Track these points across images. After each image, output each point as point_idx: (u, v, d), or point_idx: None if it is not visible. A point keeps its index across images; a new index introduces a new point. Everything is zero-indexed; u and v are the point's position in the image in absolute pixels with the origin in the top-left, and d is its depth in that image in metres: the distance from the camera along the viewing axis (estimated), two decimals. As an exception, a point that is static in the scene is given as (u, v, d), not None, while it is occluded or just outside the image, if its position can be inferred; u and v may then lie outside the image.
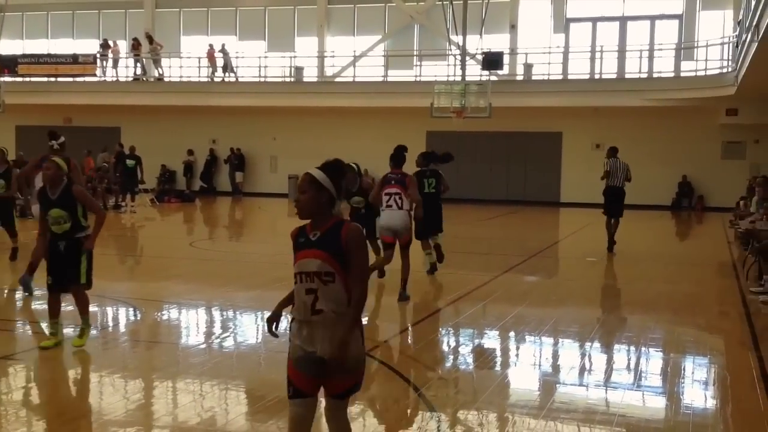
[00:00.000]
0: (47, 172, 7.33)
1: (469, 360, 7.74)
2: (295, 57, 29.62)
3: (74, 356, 7.43)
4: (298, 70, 28.97)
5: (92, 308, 9.26)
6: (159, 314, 9.46)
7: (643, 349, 8.17)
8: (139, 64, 30.10)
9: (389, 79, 28.60)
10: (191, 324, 9.33)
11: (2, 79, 28.14)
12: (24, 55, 30.52)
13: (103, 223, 7.60)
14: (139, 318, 9.26)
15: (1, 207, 12.34)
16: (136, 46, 29.72)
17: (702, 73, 25.31)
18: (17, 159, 20.86)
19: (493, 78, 25.97)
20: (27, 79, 29.70)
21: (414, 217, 10.30)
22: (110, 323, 9.20)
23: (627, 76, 26.79)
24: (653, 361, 7.88)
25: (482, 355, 7.92)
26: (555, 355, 8.08)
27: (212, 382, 6.63)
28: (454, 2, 24.07)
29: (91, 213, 7.54)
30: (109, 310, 9.75)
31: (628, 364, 7.79)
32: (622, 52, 27.32)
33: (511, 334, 8.77)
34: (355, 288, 4.00)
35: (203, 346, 8.03)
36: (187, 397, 6.39)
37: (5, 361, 7.17)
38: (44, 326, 7.96)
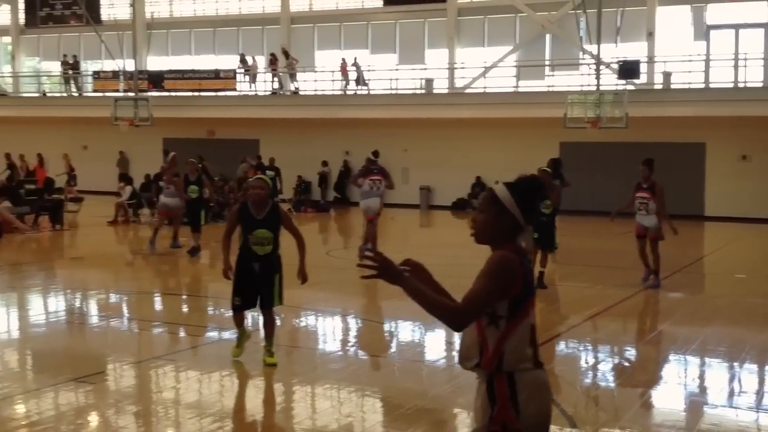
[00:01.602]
0: (259, 191, 6.94)
1: (610, 377, 7.52)
2: (425, 69, 29.79)
3: (218, 359, 7.71)
4: (429, 82, 29.09)
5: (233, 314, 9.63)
6: (297, 320, 9.69)
7: (798, 371, 7.70)
8: (276, 79, 31.06)
9: (520, 89, 28.29)
10: (329, 331, 9.51)
11: (150, 93, 29.68)
12: (169, 71, 32.06)
13: (305, 246, 7.29)
14: (278, 324, 9.51)
15: (191, 209, 14.53)
16: (273, 61, 30.69)
17: None
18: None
19: (630, 87, 25.23)
20: (172, 93, 31.17)
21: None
22: (250, 328, 9.48)
23: (774, 84, 25.43)
24: (811, 385, 7.41)
25: (624, 372, 7.68)
26: (702, 375, 7.73)
27: (350, 388, 6.73)
28: (588, 11, 23.57)
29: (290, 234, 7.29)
30: (249, 316, 10.05)
31: (783, 386, 7.36)
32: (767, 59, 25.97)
33: (655, 351, 8.47)
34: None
35: (340, 353, 8.17)
36: (326, 402, 6.51)
37: (157, 360, 7.53)
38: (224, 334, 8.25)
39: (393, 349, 8.53)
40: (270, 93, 31.02)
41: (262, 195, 6.99)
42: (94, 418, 5.96)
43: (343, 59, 29.88)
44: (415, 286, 3.21)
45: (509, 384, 3.20)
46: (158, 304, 10.94)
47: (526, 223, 3.27)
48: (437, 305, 3.17)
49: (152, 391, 6.81)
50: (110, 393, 6.58)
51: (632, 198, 12.04)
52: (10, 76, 37.08)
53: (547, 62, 28.81)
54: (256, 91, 31.00)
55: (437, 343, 8.89)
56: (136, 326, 9.37)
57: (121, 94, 29.57)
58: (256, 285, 7.15)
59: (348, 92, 29.78)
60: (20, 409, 6.08)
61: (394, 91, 29.62)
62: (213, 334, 8.81)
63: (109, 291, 11.57)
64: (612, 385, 7.27)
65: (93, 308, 10.39)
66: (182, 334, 8.79)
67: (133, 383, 6.98)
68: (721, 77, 26.29)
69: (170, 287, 12.38)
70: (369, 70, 30.07)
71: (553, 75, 28.47)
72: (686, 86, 26.01)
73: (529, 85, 28.45)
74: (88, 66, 35.22)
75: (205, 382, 7.07)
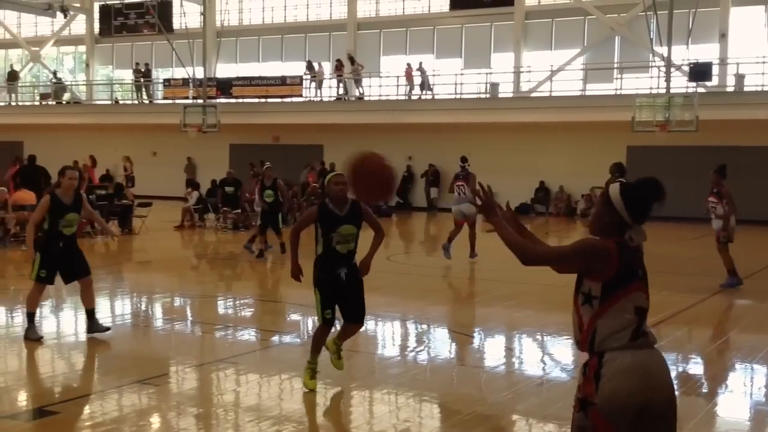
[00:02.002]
0: (343, 187, 6.55)
1: (674, 385, 7.34)
2: (491, 73, 29.64)
3: (279, 362, 7.81)
4: (494, 86, 28.94)
5: (295, 316, 9.74)
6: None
7: None
8: (341, 84, 31.31)
9: (588, 92, 27.90)
10: (388, 335, 9.54)
11: (218, 100, 30.25)
12: (238, 78, 32.65)
13: (382, 241, 6.96)
14: (337, 327, 9.57)
15: (270, 212, 15.08)
16: (339, 67, 30.95)
17: None
18: (227, 177, 22.25)
19: (701, 90, 24.64)
20: (240, 100, 31.72)
21: None
22: (311, 332, 9.58)
23: None
24: None
25: (688, 381, 7.50)
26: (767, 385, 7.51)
27: (408, 393, 6.73)
28: (658, 12, 23.11)
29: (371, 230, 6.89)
30: (310, 320, 10.16)
31: None
32: None
33: (721, 359, 8.25)
34: None
35: (399, 357, 8.18)
36: (384, 407, 6.53)
37: (219, 363, 7.67)
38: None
39: (452, 355, 8.50)
40: (335, 99, 31.28)
41: (345, 190, 6.55)
42: (156, 420, 6.10)
43: (408, 64, 29.94)
44: (501, 224, 3.67)
45: (598, 362, 3.42)
46: (221, 307, 11.13)
47: (636, 222, 3.52)
48: (515, 243, 3.61)
49: (213, 393, 6.94)
50: (173, 395, 6.72)
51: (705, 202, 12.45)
52: (84, 84, 38.27)
53: (615, 65, 28.35)
54: (321, 97, 31.30)
55: (497, 349, 8.84)
56: (200, 329, 9.55)
57: (190, 101, 30.23)
58: (344, 295, 6.67)
59: (413, 97, 29.82)
60: (86, 410, 6.26)
61: (458, 96, 29.55)
62: (275, 338, 8.93)
63: (174, 294, 11.83)
64: (676, 393, 7.11)
65: (158, 311, 10.63)
66: (245, 337, 8.93)
67: (195, 386, 7.11)
68: (797, 79, 25.49)
69: (234, 291, 12.58)
70: (434, 75, 30.06)
71: (621, 78, 28.00)
72: (759, 89, 25.28)
73: (596, 89, 28.05)
74: (159, 74, 36.11)
75: (265, 386, 7.17)
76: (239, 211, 21.15)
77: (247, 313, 10.73)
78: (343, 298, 6.65)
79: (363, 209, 6.71)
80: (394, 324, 9.98)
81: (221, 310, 10.91)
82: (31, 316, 8.22)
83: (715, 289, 12.18)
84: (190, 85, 31.36)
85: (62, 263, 8.27)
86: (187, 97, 31.55)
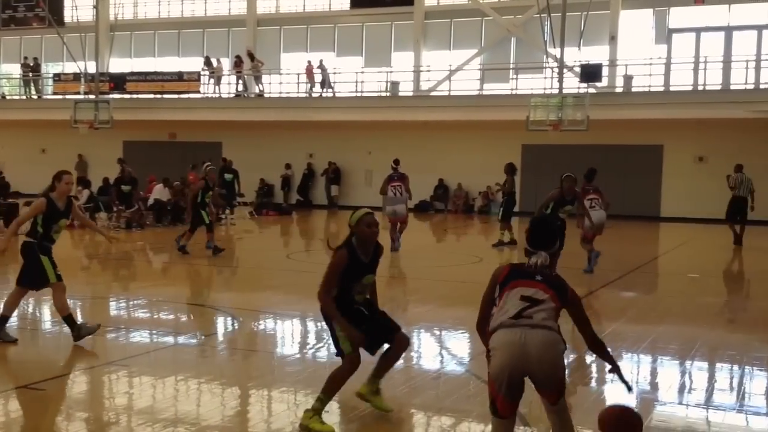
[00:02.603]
0: (376, 230, 5.74)
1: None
2: (391, 72, 29.88)
3: (174, 363, 7.68)
4: (394, 84, 29.19)
5: (191, 317, 9.57)
6: (256, 324, 9.67)
7: (746, 368, 7.85)
8: (240, 81, 30.94)
9: (485, 92, 28.49)
10: (287, 334, 9.50)
11: (111, 96, 29.40)
12: (132, 73, 31.82)
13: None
14: (237, 327, 9.48)
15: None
16: (238, 63, 30.57)
17: (813, 83, 24.21)
18: (124, 175, 21.76)
19: (592, 90, 25.52)
20: (134, 96, 30.92)
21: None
22: (209, 331, 9.45)
23: (732, 87, 25.88)
24: (757, 382, 7.56)
25: (577, 371, 7.76)
26: (653, 373, 7.86)
27: (306, 391, 6.72)
28: (552, 14, 23.81)
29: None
30: (209, 319, 10.03)
31: (731, 383, 7.49)
32: (727, 62, 26.42)
33: (608, 350, 8.56)
34: None
35: (298, 356, 8.17)
36: (281, 405, 6.52)
37: (110, 366, 7.47)
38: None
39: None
40: (234, 95, 30.90)
41: (377, 235, 5.73)
42: (43, 426, 5.90)
43: (309, 62, 29.86)
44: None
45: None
46: (113, 308, 10.85)
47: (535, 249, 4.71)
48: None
49: (105, 397, 6.76)
50: (61, 399, 6.52)
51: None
52: (-30, 78, 36.57)
53: (511, 65, 29.03)
54: (219, 93, 30.86)
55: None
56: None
57: (81, 97, 29.27)
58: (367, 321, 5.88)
59: (313, 95, 29.76)
60: (-32, 415, 6.00)
61: (359, 94, 29.66)
62: (168, 339, 8.76)
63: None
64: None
65: (46, 314, 10.26)
66: (137, 339, 8.73)
67: (85, 389, 6.92)
68: (682, 80, 26.72)
69: (126, 291, 12.27)
70: (335, 73, 30.07)
71: (517, 78, 28.70)
72: (647, 89, 26.37)
73: (493, 88, 28.67)
74: (49, 68, 34.83)
75: (159, 388, 7.03)
76: (134, 209, 20.70)
77: (141, 314, 10.48)
78: (368, 323, 5.80)
79: (380, 248, 5.88)
80: (294, 322, 9.95)
81: (113, 312, 10.63)
82: (5, 320, 8.06)
83: (602, 282, 12.65)
84: (82, 80, 30.38)
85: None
86: (78, 93, 30.55)
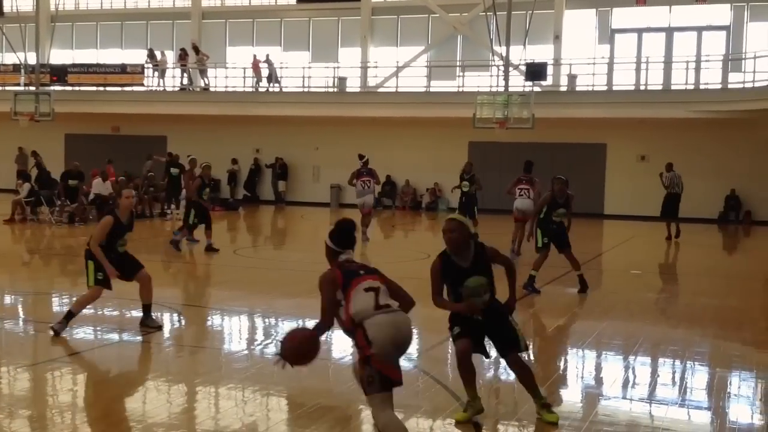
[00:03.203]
0: (453, 235, 5.78)
1: (510, 371, 7.68)
2: (338, 67, 29.82)
3: (119, 360, 7.56)
4: (342, 80, 29.13)
5: (135, 312, 9.43)
6: (203, 320, 9.57)
7: (688, 363, 8.04)
8: (185, 74, 30.53)
9: (432, 89, 28.62)
10: (234, 330, 9.43)
11: (52, 88, 28.73)
12: (74, 65, 31.13)
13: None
14: (183, 324, 9.38)
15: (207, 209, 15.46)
16: (182, 56, 30.16)
17: (750, 84, 24.89)
18: (71, 169, 21.36)
19: (537, 89, 25.83)
20: (76, 88, 30.27)
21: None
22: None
23: (673, 87, 26.47)
24: (698, 376, 7.76)
25: (569, 369, 7.87)
26: (598, 368, 8.01)
27: (254, 387, 6.69)
28: (497, 13, 24.02)
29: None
30: (154, 316, 9.87)
31: (673, 378, 7.68)
32: (668, 63, 27.01)
33: (552, 346, 8.71)
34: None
35: (246, 352, 8.12)
36: (229, 402, 6.47)
37: (53, 363, 7.32)
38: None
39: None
40: (179, 89, 30.48)
41: (458, 239, 5.75)
42: (-16, 423, 5.75)
43: (255, 56, 29.61)
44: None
45: (363, 330, 4.93)
46: (57, 304, 10.62)
47: (343, 249, 5.31)
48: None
49: (48, 394, 6.63)
50: (2, 396, 6.36)
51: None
52: None
53: (458, 63, 29.21)
54: (164, 86, 30.40)
55: (343, 342, 8.92)
56: (32, 328, 9.08)
57: (21, 89, 28.55)
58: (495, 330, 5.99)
59: (260, 89, 29.53)
60: None
61: (306, 89, 29.54)
62: (112, 336, 8.62)
63: (4, 292, 11.17)
64: (511, 378, 7.43)
65: (-12, 310, 10.02)
66: (81, 335, 8.56)
67: (27, 386, 6.77)
68: (624, 80, 27.23)
69: (70, 287, 12.02)
70: (281, 68, 29.90)
71: (463, 76, 28.90)
72: (590, 88, 26.80)
73: (440, 86, 28.82)
74: (-12, 58, 33.90)
75: (103, 385, 6.92)
76: (76, 204, 20.34)
77: (85, 310, 10.28)
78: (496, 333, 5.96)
79: (488, 250, 5.92)
80: (241, 318, 9.88)
81: (56, 308, 10.40)
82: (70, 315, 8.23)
83: (547, 279, 12.82)
84: (22, 71, 29.62)
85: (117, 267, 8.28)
86: (18, 84, 29.77)
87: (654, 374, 7.72)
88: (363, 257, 15.23)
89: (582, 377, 7.65)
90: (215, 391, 6.70)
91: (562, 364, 8.13)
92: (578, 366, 8.08)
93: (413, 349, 8.47)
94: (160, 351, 8.11)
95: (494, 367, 7.85)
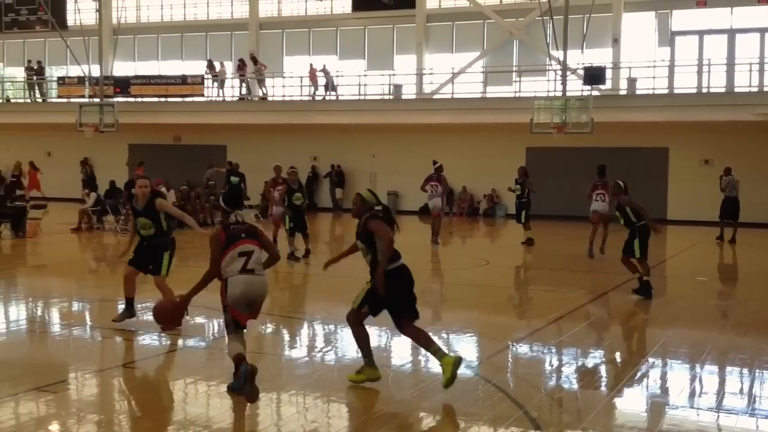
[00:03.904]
0: (353, 207, 7.30)
1: (573, 380, 7.59)
2: (394, 75, 29.88)
3: (184, 366, 7.67)
4: (397, 87, 29.18)
5: (199, 320, 9.56)
6: (264, 326, 9.66)
7: (757, 372, 7.82)
8: (244, 84, 30.95)
9: (488, 95, 28.49)
10: (294, 337, 9.49)
11: (115, 99, 29.42)
12: (136, 77, 31.82)
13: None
14: (245, 330, 9.46)
15: (300, 214, 15.47)
16: (241, 66, 30.58)
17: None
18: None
19: (595, 93, 25.51)
20: (139, 99, 30.94)
21: None
22: (216, 334, 9.44)
23: (736, 89, 25.85)
24: (768, 385, 7.54)
25: (587, 375, 7.75)
26: (664, 377, 7.84)
27: (315, 394, 6.72)
28: (554, 17, 23.81)
29: None
30: (215, 322, 10.01)
31: (742, 387, 7.47)
32: (730, 65, 26.40)
33: (617, 354, 8.56)
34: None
35: (306, 358, 8.16)
36: (291, 408, 6.51)
37: (120, 369, 7.47)
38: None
39: (359, 355, 8.52)
40: (237, 99, 30.92)
41: (355, 211, 7.31)
42: (54, 428, 5.89)
43: (312, 65, 29.86)
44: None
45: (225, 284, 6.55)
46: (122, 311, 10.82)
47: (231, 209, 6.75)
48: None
49: (115, 399, 6.76)
50: (72, 402, 6.51)
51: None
52: (-27, 82, 36.59)
53: (514, 68, 29.02)
54: (223, 96, 30.87)
55: (403, 348, 8.91)
56: (99, 334, 9.28)
57: (86, 100, 29.29)
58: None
59: (317, 98, 29.76)
60: (-22, 419, 6.00)
61: (362, 97, 29.66)
62: (178, 342, 8.75)
63: (72, 299, 11.44)
64: (575, 387, 7.34)
65: (55, 316, 10.27)
66: (147, 341, 8.72)
67: (96, 392, 6.91)
68: (685, 83, 26.70)
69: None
70: (337, 76, 30.09)
71: (520, 81, 28.70)
72: (650, 92, 26.36)
73: (496, 91, 28.65)
74: (53, 72, 34.87)
75: (168, 391, 7.03)
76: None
77: (149, 316, 10.46)
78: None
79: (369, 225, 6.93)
80: (300, 325, 9.94)
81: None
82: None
83: (610, 286, 12.64)
84: (86, 83, 30.39)
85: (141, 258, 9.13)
86: (83, 96, 30.55)
87: (722, 383, 7.53)
88: (421, 264, 15.22)
89: (647, 386, 7.50)
90: (277, 397, 6.74)
91: (627, 372, 7.98)
92: (644, 375, 7.91)
93: (473, 356, 8.44)
94: (222, 357, 8.17)
95: (556, 378, 7.76)
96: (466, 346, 8.98)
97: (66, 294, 11.83)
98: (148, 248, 9.03)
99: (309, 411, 6.39)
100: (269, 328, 9.70)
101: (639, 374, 7.93)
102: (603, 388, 7.30)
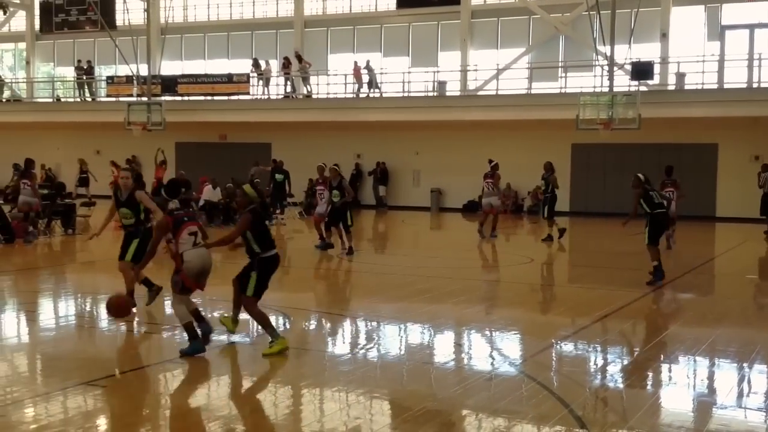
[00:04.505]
0: (237, 199, 8.63)
1: (619, 378, 7.49)
2: (438, 71, 29.80)
3: (228, 362, 7.75)
4: (441, 84, 29.10)
5: (245, 316, 9.66)
6: (307, 323, 9.72)
7: (810, 373, 7.64)
8: (289, 82, 31.14)
9: (533, 91, 28.24)
10: (338, 333, 9.53)
11: (163, 98, 29.82)
12: (183, 75, 32.22)
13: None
14: (288, 326, 9.54)
15: (341, 211, 15.71)
16: (286, 64, 30.78)
17: None
18: (177, 178, 22.09)
19: (643, 88, 25.13)
20: (186, 98, 31.31)
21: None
22: (260, 331, 9.52)
23: (788, 84, 25.25)
24: (822, 387, 7.36)
25: (633, 374, 7.65)
26: (711, 376, 7.69)
27: (359, 390, 6.73)
28: (601, 12, 23.50)
29: None
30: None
31: (793, 388, 7.31)
32: (782, 59, 25.79)
33: (664, 352, 8.43)
34: None
35: (349, 355, 8.18)
36: (334, 404, 6.53)
37: (165, 364, 7.57)
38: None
39: (402, 352, 8.54)
40: (283, 97, 31.11)
41: (238, 203, 8.44)
42: (102, 422, 6.00)
43: (356, 62, 29.92)
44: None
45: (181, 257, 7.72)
46: (169, 307, 10.97)
47: (170, 198, 8.16)
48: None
49: (161, 394, 6.86)
50: (119, 397, 6.62)
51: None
52: (25, 82, 37.39)
53: (560, 64, 28.74)
54: (268, 95, 31.08)
55: (446, 346, 8.90)
56: (147, 330, 9.42)
57: (134, 99, 29.74)
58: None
59: (361, 95, 29.81)
60: (29, 412, 6.13)
61: (406, 94, 29.64)
62: (222, 338, 8.84)
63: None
64: (621, 386, 7.25)
65: (103, 312, 10.44)
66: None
67: (142, 387, 7.02)
68: (735, 78, 26.16)
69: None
70: (382, 73, 30.10)
71: (565, 76, 28.40)
72: (699, 87, 25.88)
73: (541, 87, 28.40)
74: (102, 71, 35.48)
75: (214, 386, 7.11)
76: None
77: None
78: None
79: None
80: (344, 321, 9.97)
81: (169, 310, 10.75)
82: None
83: (658, 283, 12.44)
84: (134, 82, 30.86)
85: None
86: (131, 95, 31.03)
87: (773, 384, 7.37)
88: (463, 262, 15.15)
89: (695, 386, 7.37)
90: (320, 393, 6.78)
91: (674, 371, 7.86)
92: (691, 374, 7.79)
93: (517, 354, 8.38)
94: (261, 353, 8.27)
95: (601, 376, 7.67)
96: (510, 344, 8.92)
97: (113, 290, 12.00)
98: (126, 237, 9.83)
99: (352, 407, 6.41)
100: (313, 324, 9.76)
101: (686, 373, 7.81)
102: (649, 387, 7.20)
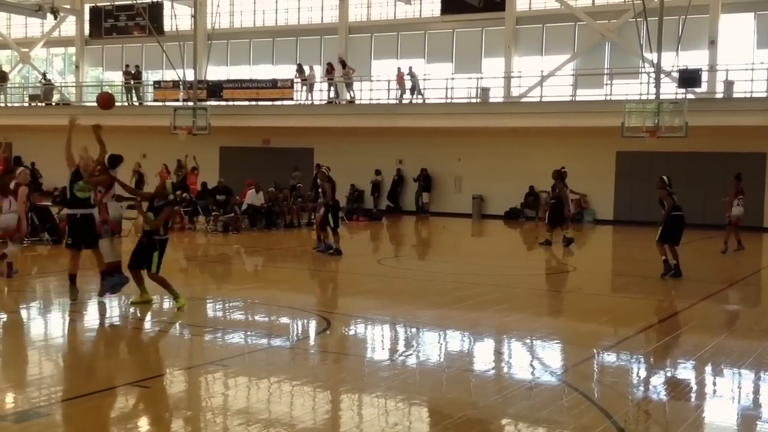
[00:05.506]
0: None
1: (662, 390, 7.38)
2: (481, 78, 29.70)
3: (268, 365, 7.80)
4: (485, 90, 28.99)
5: (285, 319, 9.72)
6: (347, 328, 9.74)
7: None
8: (332, 88, 31.30)
9: (578, 98, 28.00)
10: (377, 339, 9.53)
11: (208, 103, 30.18)
12: (228, 81, 32.58)
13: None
14: (328, 331, 9.57)
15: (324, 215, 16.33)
16: (330, 70, 30.93)
17: None
18: (218, 186, 22.52)
19: (690, 96, 24.76)
20: (230, 103, 31.66)
21: None
22: (301, 335, 9.57)
23: (840, 92, 24.67)
24: None
25: (677, 386, 7.53)
26: (757, 390, 7.54)
27: (398, 397, 6.72)
28: (649, 19, 23.22)
29: None
30: (300, 323, 10.15)
31: (844, 404, 7.12)
32: (835, 66, 25.21)
33: (709, 365, 8.28)
34: None
35: (389, 361, 8.17)
36: (373, 410, 6.53)
37: (207, 366, 7.65)
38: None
39: (442, 359, 8.51)
40: (326, 102, 31.27)
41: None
42: (145, 423, 6.08)
43: (399, 68, 29.96)
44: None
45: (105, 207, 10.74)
46: (211, 310, 11.10)
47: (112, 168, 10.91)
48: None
49: (203, 396, 6.92)
50: (163, 397, 6.70)
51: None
52: (74, 86, 38.13)
53: (605, 71, 28.46)
54: (312, 100, 31.28)
55: (487, 353, 8.85)
56: (189, 332, 9.53)
57: (180, 104, 30.14)
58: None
59: (404, 101, 29.84)
60: (74, 412, 6.23)
61: (449, 100, 29.59)
62: (263, 341, 8.91)
63: (163, 297, 11.76)
64: (664, 398, 7.14)
65: (147, 314, 10.59)
66: (234, 339, 8.91)
67: (185, 388, 7.09)
68: (785, 86, 25.64)
69: (223, 293, 12.55)
70: (425, 79, 30.10)
71: (611, 83, 28.11)
72: (748, 95, 25.43)
73: (586, 94, 28.14)
74: (149, 76, 36.02)
75: (254, 389, 7.16)
76: (231, 214, 21.32)
77: (237, 315, 10.70)
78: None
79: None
80: (384, 327, 9.97)
81: (210, 313, 10.88)
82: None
83: (703, 294, 12.24)
84: (181, 87, 31.29)
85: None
86: (177, 100, 31.47)
87: (822, 399, 7.19)
88: (506, 269, 15.05)
89: (740, 399, 7.23)
90: (359, 398, 6.78)
91: (719, 384, 7.71)
92: (736, 387, 7.64)
93: (558, 363, 8.30)
94: (306, 357, 8.31)
95: (644, 388, 7.57)
96: (551, 353, 8.84)
97: (157, 292, 12.16)
98: (83, 223, 10.41)
99: (390, 414, 6.40)
100: (352, 329, 9.78)
101: (731, 387, 7.66)
102: (693, 400, 7.07)
